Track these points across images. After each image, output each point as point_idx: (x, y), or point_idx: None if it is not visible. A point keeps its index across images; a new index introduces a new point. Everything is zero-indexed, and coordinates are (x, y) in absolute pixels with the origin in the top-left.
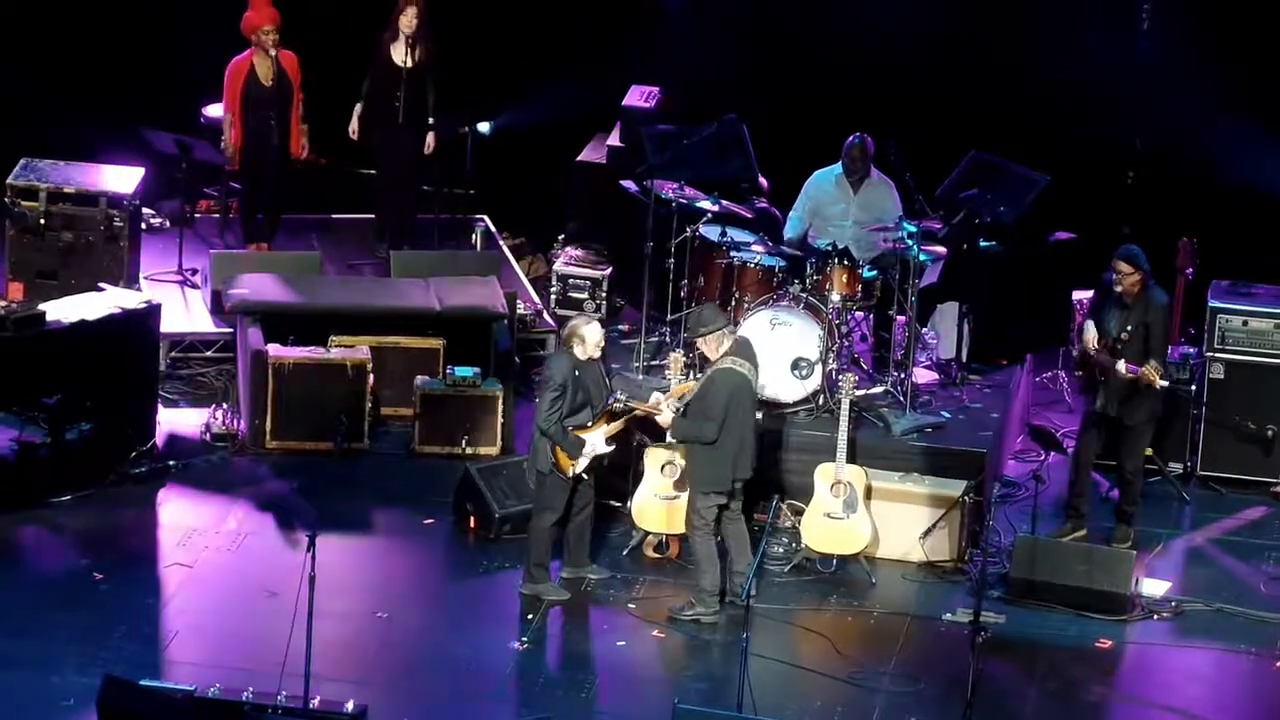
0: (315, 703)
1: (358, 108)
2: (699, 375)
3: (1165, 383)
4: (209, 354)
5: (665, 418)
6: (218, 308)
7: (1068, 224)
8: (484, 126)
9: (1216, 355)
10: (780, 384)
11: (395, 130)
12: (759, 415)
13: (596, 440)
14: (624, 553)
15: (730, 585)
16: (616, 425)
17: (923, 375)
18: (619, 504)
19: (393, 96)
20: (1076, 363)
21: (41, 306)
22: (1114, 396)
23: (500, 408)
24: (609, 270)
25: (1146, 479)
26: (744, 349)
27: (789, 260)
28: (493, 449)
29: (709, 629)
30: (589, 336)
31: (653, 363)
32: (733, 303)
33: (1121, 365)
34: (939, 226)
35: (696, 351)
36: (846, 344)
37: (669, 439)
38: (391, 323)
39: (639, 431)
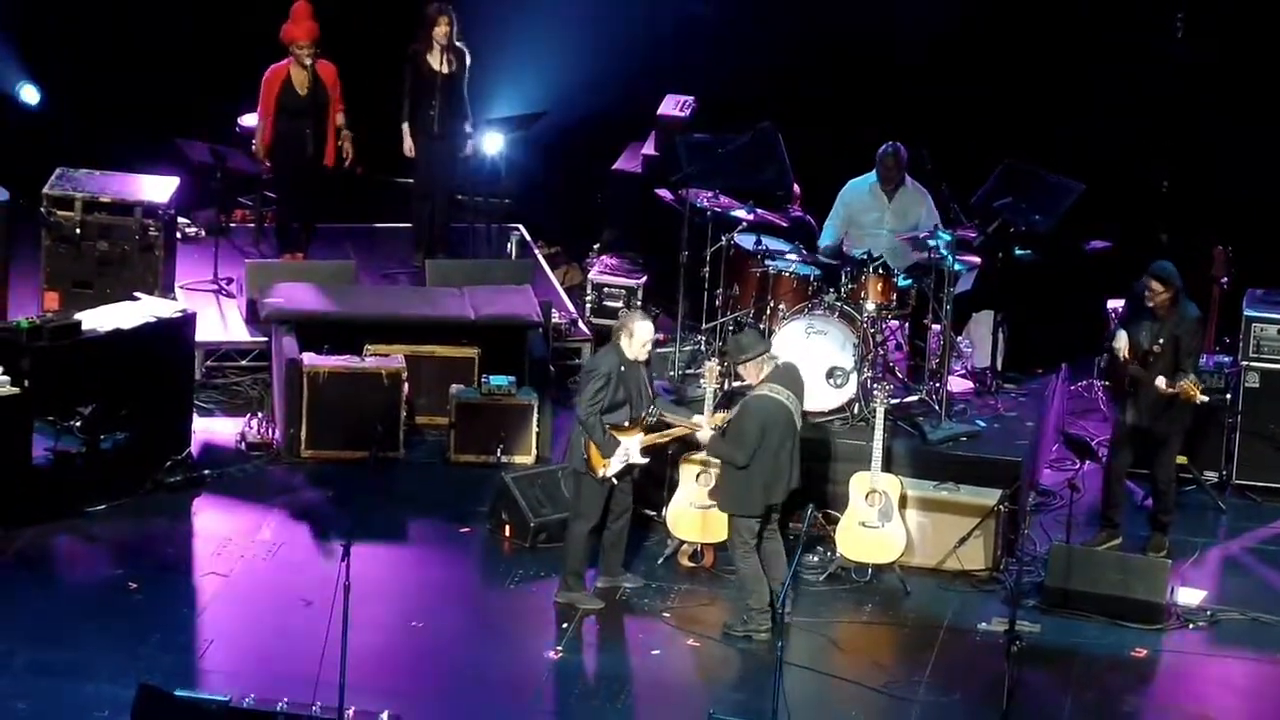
0: (350, 713)
1: (405, 126)
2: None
3: (1205, 398)
4: (244, 363)
5: (704, 434)
6: (253, 317)
7: (1102, 232)
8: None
9: (1252, 364)
10: (815, 393)
11: (430, 139)
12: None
13: (632, 446)
14: (659, 561)
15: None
16: (655, 438)
17: (958, 384)
18: (654, 513)
19: (428, 106)
20: (1106, 372)
21: (77, 316)
22: (1144, 408)
23: (535, 416)
24: (644, 279)
25: (1182, 488)
26: (785, 376)
27: (824, 269)
28: (528, 457)
29: (761, 645)
30: (639, 333)
31: (688, 371)
32: (768, 311)
33: (1161, 382)
34: (974, 235)
35: (734, 375)
36: (881, 353)
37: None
38: (426, 331)
39: (675, 442)
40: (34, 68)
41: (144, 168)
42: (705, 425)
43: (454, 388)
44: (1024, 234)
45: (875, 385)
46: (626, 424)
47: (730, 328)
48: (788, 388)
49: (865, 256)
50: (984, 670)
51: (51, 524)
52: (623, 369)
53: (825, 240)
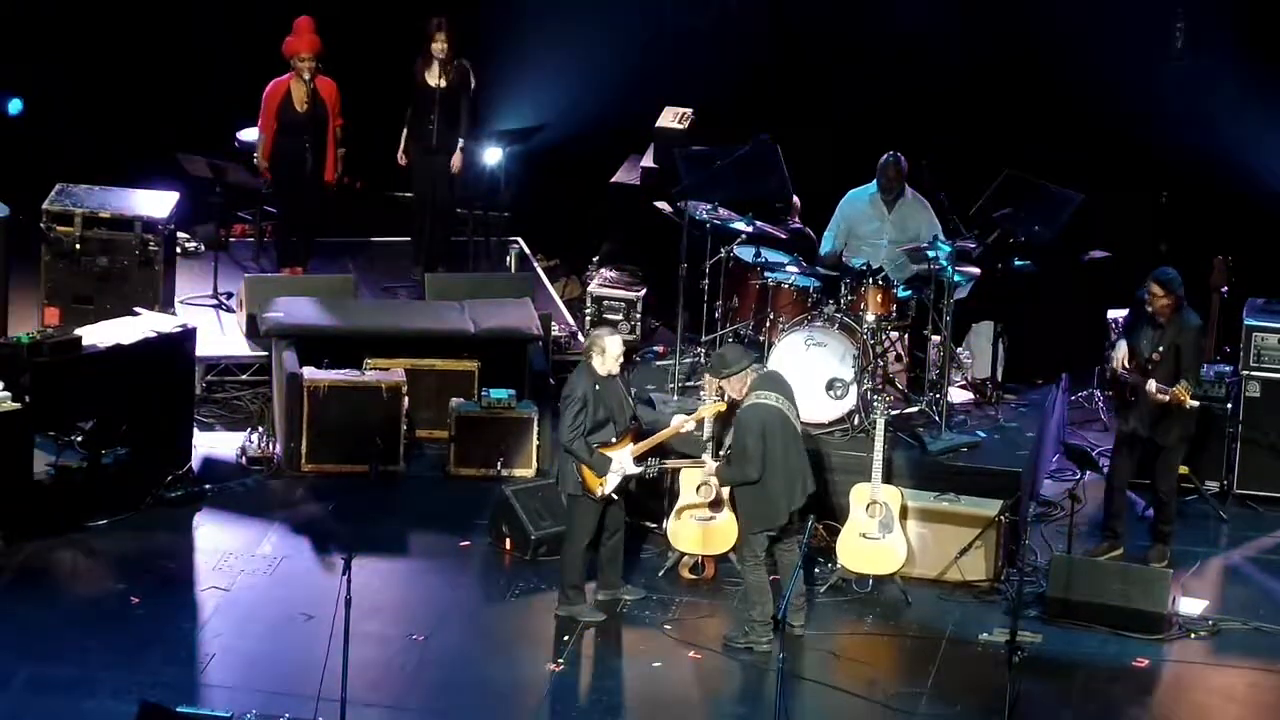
0: None
1: (405, 133)
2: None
3: (1196, 403)
4: (244, 377)
5: (710, 466)
6: (253, 331)
7: (1102, 243)
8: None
9: (1252, 373)
10: (815, 405)
11: (429, 153)
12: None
13: (624, 458)
14: (659, 574)
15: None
16: (644, 445)
17: (958, 395)
18: (654, 525)
19: (425, 120)
20: (1108, 382)
21: (77, 331)
22: (1145, 417)
23: (535, 429)
24: (643, 292)
25: (1183, 498)
26: (769, 381)
27: (823, 280)
28: (528, 471)
29: (762, 657)
30: (610, 348)
31: (687, 384)
32: (767, 323)
33: (1152, 385)
34: (974, 246)
35: (717, 389)
36: (881, 364)
37: (716, 481)
38: (426, 345)
39: (672, 452)
40: (32, 82)
41: (143, 183)
42: (689, 422)
43: (454, 401)
44: (1023, 244)
45: (875, 396)
46: (613, 440)
47: (729, 340)
48: (774, 392)
49: (865, 267)
50: (986, 681)
51: (53, 539)
52: (597, 388)
53: (824, 248)
